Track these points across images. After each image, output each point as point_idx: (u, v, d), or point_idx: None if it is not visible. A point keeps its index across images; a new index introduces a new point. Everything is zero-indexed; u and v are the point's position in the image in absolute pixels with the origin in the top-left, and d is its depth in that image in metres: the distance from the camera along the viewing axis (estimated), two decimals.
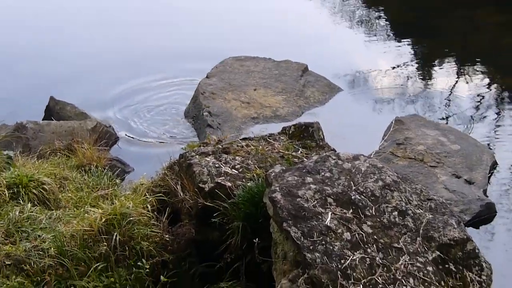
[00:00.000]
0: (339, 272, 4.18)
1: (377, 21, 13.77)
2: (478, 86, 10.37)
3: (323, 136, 6.28)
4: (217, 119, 8.84)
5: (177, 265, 5.34)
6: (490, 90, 10.23)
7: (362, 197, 4.75)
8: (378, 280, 4.21)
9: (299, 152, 5.95)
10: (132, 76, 10.54)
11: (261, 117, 9.06)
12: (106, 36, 12.39)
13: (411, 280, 4.27)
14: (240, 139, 6.23)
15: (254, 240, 4.90)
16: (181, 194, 5.69)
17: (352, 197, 4.72)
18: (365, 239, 4.45)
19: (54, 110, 9.07)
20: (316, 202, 4.61)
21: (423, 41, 12.28)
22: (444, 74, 10.85)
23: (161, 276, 5.02)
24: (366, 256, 4.34)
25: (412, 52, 11.90)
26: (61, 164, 7.15)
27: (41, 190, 5.94)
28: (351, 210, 4.62)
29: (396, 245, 4.48)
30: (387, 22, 13.58)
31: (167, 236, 5.41)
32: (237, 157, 5.81)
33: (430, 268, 4.39)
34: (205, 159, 5.74)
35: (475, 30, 12.72)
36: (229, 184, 5.37)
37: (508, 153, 8.29)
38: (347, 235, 4.43)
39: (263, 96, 9.53)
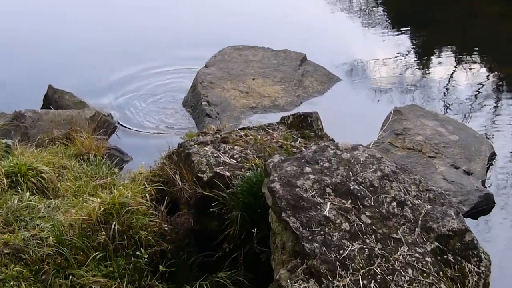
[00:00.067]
0: (337, 263, 4.19)
1: (375, 11, 13.75)
2: (477, 76, 10.37)
3: (322, 126, 6.26)
4: (216, 108, 8.83)
5: (176, 254, 5.33)
6: (489, 80, 10.24)
7: (361, 187, 4.74)
8: (377, 271, 4.22)
9: (298, 142, 5.94)
10: (132, 64, 10.53)
11: (259, 107, 9.05)
12: (105, 25, 12.34)
13: (409, 270, 4.28)
14: (239, 129, 6.22)
15: (253, 230, 4.90)
16: (180, 184, 5.69)
17: (351, 187, 4.72)
18: (363, 229, 4.45)
19: (52, 99, 9.04)
20: (314, 192, 4.61)
21: (422, 31, 12.27)
22: (443, 64, 10.85)
23: (160, 266, 5.01)
24: (364, 246, 4.34)
25: (411, 42, 11.89)
26: (60, 153, 7.15)
27: (40, 179, 5.93)
28: (349, 201, 4.63)
29: (394, 235, 4.49)
30: (385, 12, 13.57)
31: (165, 225, 5.41)
32: (235, 147, 5.79)
33: (428, 259, 4.40)
34: (204, 149, 5.73)
35: (474, 20, 12.71)
36: (227, 173, 5.37)
37: (506, 144, 8.30)
38: (345, 226, 4.44)
39: (261, 86, 9.51)
